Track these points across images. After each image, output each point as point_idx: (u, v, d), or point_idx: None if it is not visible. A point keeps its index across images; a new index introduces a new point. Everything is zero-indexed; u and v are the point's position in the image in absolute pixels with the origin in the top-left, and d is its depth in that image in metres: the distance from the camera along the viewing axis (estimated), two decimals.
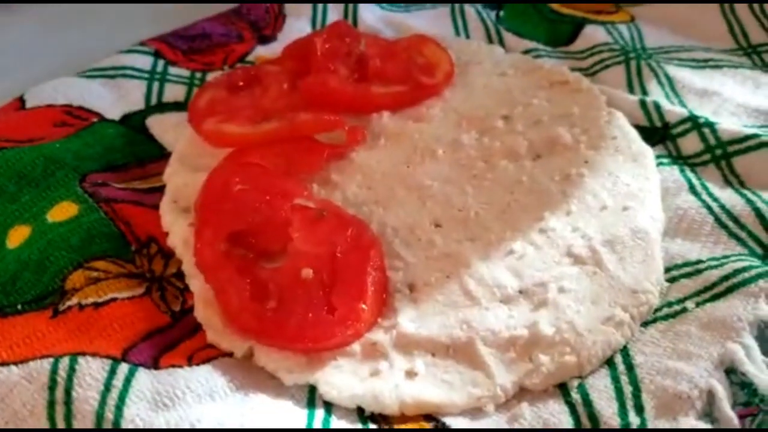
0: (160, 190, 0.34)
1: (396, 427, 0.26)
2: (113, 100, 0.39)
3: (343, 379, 0.27)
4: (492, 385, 0.26)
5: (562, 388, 0.26)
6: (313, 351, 0.27)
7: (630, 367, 0.27)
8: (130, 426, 0.24)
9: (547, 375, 0.26)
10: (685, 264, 0.31)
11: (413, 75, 0.40)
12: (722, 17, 0.49)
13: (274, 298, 0.28)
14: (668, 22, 0.49)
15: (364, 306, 0.28)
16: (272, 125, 0.35)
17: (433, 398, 0.26)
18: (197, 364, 0.27)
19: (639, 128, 0.39)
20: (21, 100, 0.39)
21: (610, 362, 0.27)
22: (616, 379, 0.27)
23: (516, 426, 0.25)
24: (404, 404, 0.26)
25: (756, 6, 0.49)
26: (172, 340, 0.28)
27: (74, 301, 0.29)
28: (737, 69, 0.44)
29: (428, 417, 0.26)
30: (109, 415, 0.24)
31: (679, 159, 0.38)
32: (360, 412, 0.26)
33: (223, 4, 0.47)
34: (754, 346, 0.27)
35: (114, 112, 0.39)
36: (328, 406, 0.27)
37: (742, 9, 0.49)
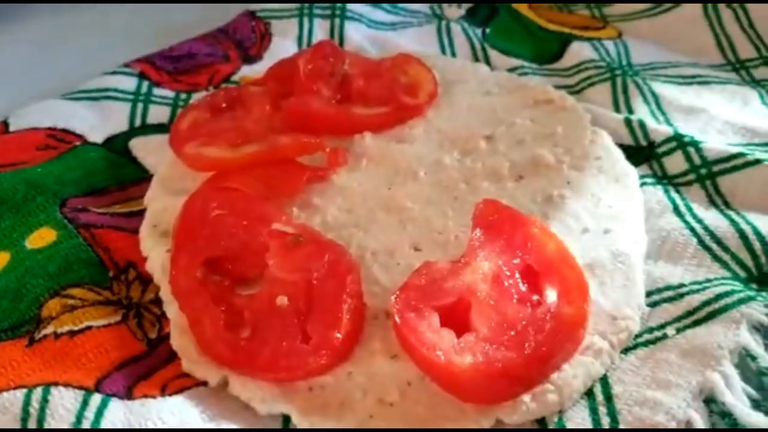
0: (141, 213, 0.34)
1: None
2: (97, 123, 0.40)
3: (317, 409, 0.27)
4: (468, 421, 0.26)
5: (540, 422, 0.26)
6: (287, 380, 0.27)
7: (609, 398, 0.27)
8: None
9: (526, 412, 0.26)
10: (667, 288, 0.31)
11: (396, 95, 0.40)
12: (710, 31, 0.49)
13: (249, 327, 0.28)
14: (656, 37, 0.49)
15: (338, 335, 0.27)
16: (253, 148, 0.35)
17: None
18: (170, 394, 0.27)
19: (624, 147, 0.38)
20: (5, 124, 0.39)
21: (588, 392, 0.27)
22: (594, 411, 0.26)
23: None
24: None
25: (744, 20, 0.49)
26: (147, 369, 0.28)
27: (50, 329, 0.29)
28: (725, 85, 0.44)
29: None
30: None
31: (663, 179, 0.37)
32: None
33: (208, 17, 0.47)
34: (734, 374, 0.27)
35: (97, 135, 0.39)
36: None
37: (729, 23, 0.49)
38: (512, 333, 0.27)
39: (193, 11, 0.52)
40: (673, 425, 0.25)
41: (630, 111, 0.42)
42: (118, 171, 0.37)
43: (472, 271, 0.28)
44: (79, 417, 0.25)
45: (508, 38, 0.48)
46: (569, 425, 0.26)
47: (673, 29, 0.50)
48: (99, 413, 0.25)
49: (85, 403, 0.26)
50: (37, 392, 0.26)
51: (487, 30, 0.50)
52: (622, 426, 0.25)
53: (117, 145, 0.39)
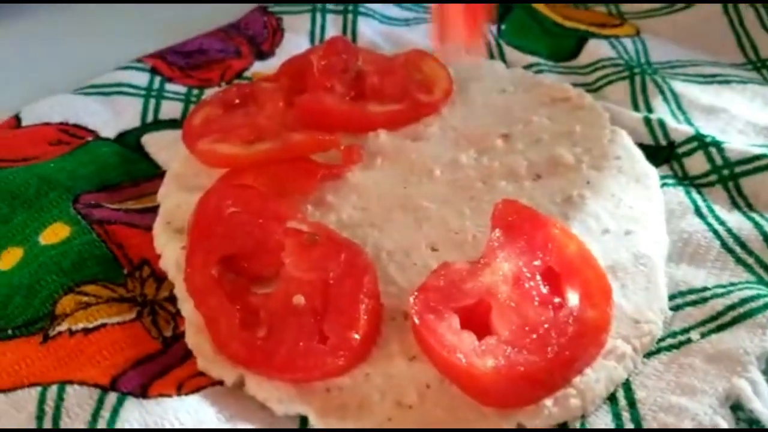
0: (154, 210, 0.34)
1: None
2: (109, 118, 0.39)
3: (335, 410, 0.26)
4: (488, 424, 0.25)
5: (562, 426, 0.26)
6: (304, 381, 0.27)
7: (632, 404, 0.26)
8: None
9: (548, 417, 0.25)
10: (690, 291, 0.30)
11: (411, 92, 0.39)
12: (730, 30, 0.48)
13: (265, 326, 0.28)
14: (674, 35, 0.48)
15: (356, 335, 0.27)
16: (267, 145, 0.34)
17: None
18: (187, 394, 0.26)
19: (643, 147, 0.38)
20: (17, 118, 0.39)
21: (611, 397, 0.26)
22: (617, 416, 0.26)
23: None
24: None
25: (766, 18, 0.48)
26: (162, 367, 0.28)
27: (64, 326, 0.28)
28: (746, 84, 0.43)
29: None
30: None
31: (684, 180, 0.37)
32: None
33: (220, 13, 0.47)
34: (761, 381, 0.26)
35: (109, 130, 0.39)
36: None
37: (750, 21, 0.48)
38: (534, 336, 0.26)
39: (203, 6, 0.51)
40: None
41: (649, 110, 0.41)
42: (130, 167, 0.37)
43: (492, 272, 0.28)
44: (95, 415, 0.25)
45: (524, 35, 0.48)
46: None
47: (692, 27, 0.49)
48: (114, 412, 0.25)
49: (100, 402, 0.25)
50: (53, 390, 0.25)
51: (502, 26, 0.49)
52: None
53: (129, 140, 0.38)
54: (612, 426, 0.25)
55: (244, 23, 0.47)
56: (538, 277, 0.28)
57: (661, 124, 0.39)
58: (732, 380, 0.26)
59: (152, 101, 0.41)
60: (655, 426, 0.25)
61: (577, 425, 0.26)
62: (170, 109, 0.40)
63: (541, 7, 0.50)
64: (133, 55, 0.43)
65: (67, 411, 0.25)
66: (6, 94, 0.41)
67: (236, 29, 0.47)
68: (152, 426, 0.25)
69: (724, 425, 0.25)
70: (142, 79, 0.42)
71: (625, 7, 0.51)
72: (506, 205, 0.30)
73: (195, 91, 0.42)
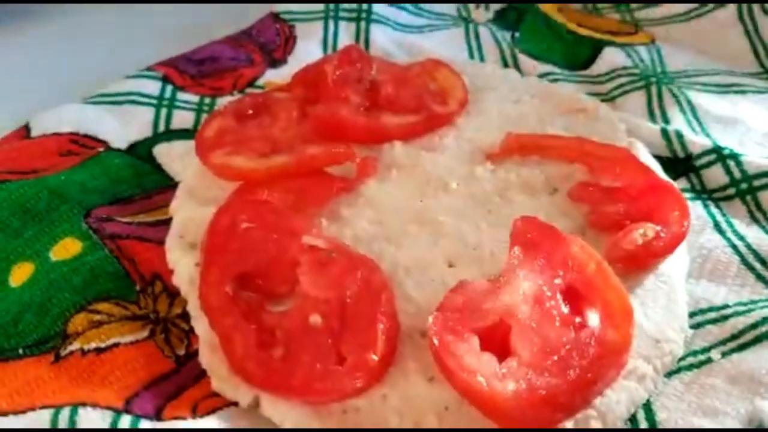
0: (167, 222, 0.34)
1: None
2: (120, 128, 0.39)
3: None
4: None
5: None
6: (321, 403, 0.26)
7: (653, 425, 0.26)
8: None
9: None
10: (710, 309, 0.30)
11: (426, 103, 0.39)
12: (745, 37, 0.48)
13: (281, 346, 0.27)
14: (690, 43, 0.48)
15: (374, 356, 0.26)
16: (281, 159, 0.34)
17: None
18: (201, 416, 0.26)
19: (660, 159, 0.37)
20: (26, 128, 0.38)
21: (632, 418, 0.26)
22: None
23: None
24: None
25: None
26: (176, 387, 0.27)
27: (76, 345, 0.28)
28: (762, 94, 0.43)
29: None
30: None
31: (703, 193, 0.36)
32: None
33: (231, 19, 0.46)
34: None
35: (121, 141, 0.38)
36: None
37: (766, 29, 0.47)
38: (555, 358, 0.26)
39: (212, 11, 0.51)
40: None
41: (666, 120, 0.40)
42: (142, 179, 0.36)
43: (511, 291, 0.27)
44: None
45: (538, 43, 0.47)
46: None
47: (707, 35, 0.48)
48: None
49: (114, 424, 0.25)
50: (65, 412, 0.25)
51: (516, 34, 0.48)
52: None
53: (141, 151, 0.38)
54: None
55: (255, 30, 0.46)
56: (559, 296, 0.28)
57: (679, 135, 0.38)
58: (755, 402, 0.26)
59: (164, 111, 0.40)
60: None
61: None
62: (182, 119, 0.40)
63: (555, 15, 0.50)
64: (142, 62, 0.43)
65: None
66: (16, 102, 0.41)
67: (248, 36, 0.46)
68: None
69: None
70: (153, 87, 0.41)
71: (639, 15, 0.51)
72: (525, 223, 0.30)
73: (207, 100, 0.41)
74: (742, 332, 0.29)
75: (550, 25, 0.49)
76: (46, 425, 0.25)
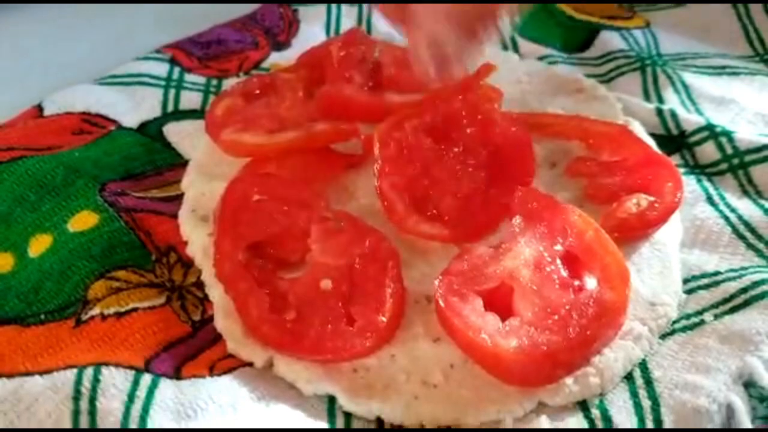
0: (178, 198, 0.35)
1: None
2: (130, 108, 0.40)
3: (362, 390, 0.27)
4: (511, 402, 0.26)
5: (582, 404, 0.27)
6: (332, 362, 0.27)
7: (648, 382, 0.27)
8: None
9: (569, 395, 0.26)
10: (703, 275, 0.31)
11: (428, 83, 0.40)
12: (738, 22, 0.49)
13: (294, 309, 0.28)
14: (684, 27, 0.49)
15: (383, 318, 0.28)
16: (289, 135, 0.35)
17: (451, 412, 0.26)
18: (219, 375, 0.27)
19: (655, 137, 0.39)
20: (39, 108, 0.39)
21: (628, 376, 0.27)
22: (634, 394, 0.27)
23: None
24: (422, 417, 0.26)
25: None
26: (193, 350, 0.28)
27: (96, 311, 0.29)
28: (754, 76, 0.44)
29: (448, 428, 0.26)
30: (134, 425, 0.25)
31: (696, 168, 0.38)
32: (379, 423, 0.27)
33: (235, 4, 0.47)
34: None
35: (131, 120, 0.39)
36: (348, 417, 0.27)
37: (758, 14, 0.49)
38: (556, 317, 0.27)
39: None
40: (714, 408, 0.25)
41: (660, 101, 0.42)
42: (153, 156, 0.37)
43: (513, 256, 0.29)
44: (131, 395, 0.26)
45: (537, 26, 0.48)
46: (610, 408, 0.26)
47: (701, 19, 0.49)
48: (150, 392, 0.26)
49: (136, 382, 0.26)
50: (88, 371, 0.26)
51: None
52: (663, 408, 0.26)
53: (151, 130, 0.39)
54: (629, 403, 0.26)
55: (260, 14, 0.47)
56: (558, 262, 0.29)
57: (673, 114, 0.40)
58: (745, 359, 0.27)
59: (172, 91, 0.41)
60: (671, 403, 0.26)
61: (596, 402, 0.27)
62: (190, 99, 0.41)
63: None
64: (150, 45, 0.44)
65: (104, 391, 0.26)
66: (28, 83, 0.41)
67: (253, 20, 0.47)
68: (187, 405, 0.26)
69: (738, 402, 0.26)
70: (161, 69, 0.42)
71: None
72: (526, 193, 0.31)
73: (214, 82, 0.42)
74: (733, 296, 0.30)
75: (548, 10, 0.50)
76: (71, 384, 0.26)
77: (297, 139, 0.35)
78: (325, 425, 0.26)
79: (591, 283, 0.28)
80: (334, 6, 0.48)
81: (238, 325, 0.29)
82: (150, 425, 0.25)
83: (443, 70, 0.32)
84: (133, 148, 0.37)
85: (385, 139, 0.34)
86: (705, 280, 0.31)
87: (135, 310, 0.29)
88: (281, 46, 0.46)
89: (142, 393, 0.26)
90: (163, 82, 0.42)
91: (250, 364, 0.28)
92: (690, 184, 0.36)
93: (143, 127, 0.39)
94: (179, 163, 0.37)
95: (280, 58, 0.44)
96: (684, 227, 0.34)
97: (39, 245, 0.31)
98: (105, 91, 0.40)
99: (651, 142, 0.38)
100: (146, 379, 0.26)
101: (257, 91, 0.39)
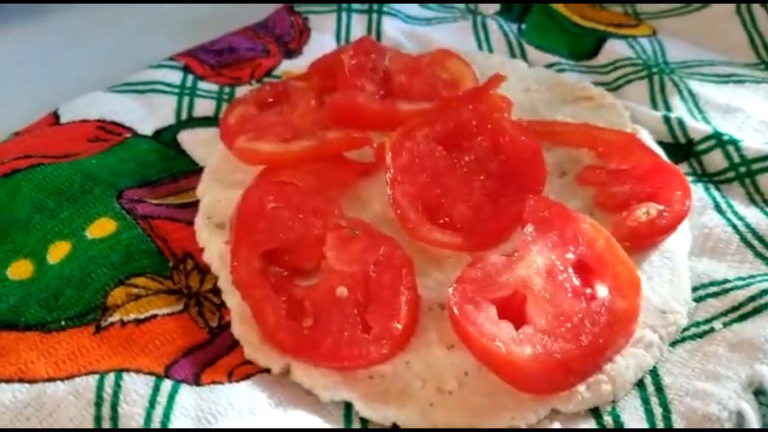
0: (194, 205, 0.35)
1: None
2: (145, 115, 0.40)
3: (378, 396, 0.27)
4: (525, 409, 0.27)
5: (594, 411, 0.27)
6: (349, 369, 0.28)
7: (659, 389, 0.28)
8: None
9: (581, 402, 0.27)
10: (712, 284, 0.32)
11: (438, 91, 0.40)
12: (743, 30, 0.49)
13: (310, 316, 0.29)
14: (690, 35, 0.50)
15: (398, 325, 0.28)
16: (303, 143, 0.36)
17: (466, 419, 0.27)
18: (237, 381, 0.28)
19: (663, 145, 0.39)
20: (55, 115, 0.40)
21: (639, 383, 0.28)
22: (646, 401, 0.27)
23: None
24: (437, 423, 0.27)
25: None
26: (211, 356, 0.29)
27: (116, 317, 0.30)
28: (759, 84, 0.45)
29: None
30: None
31: (703, 176, 0.38)
32: (395, 429, 0.27)
33: (247, 11, 0.48)
34: None
35: (146, 127, 0.40)
36: (364, 423, 0.27)
37: (763, 22, 0.49)
38: (568, 325, 0.27)
39: (230, 5, 0.52)
40: (725, 415, 0.26)
41: (668, 109, 0.42)
42: (169, 163, 0.38)
43: (526, 265, 0.29)
44: (152, 402, 0.26)
45: (544, 34, 0.49)
46: (622, 414, 0.27)
47: (706, 27, 0.50)
48: (171, 398, 0.26)
49: (156, 388, 0.27)
50: (110, 378, 0.27)
51: (523, 26, 0.50)
52: (674, 415, 0.26)
53: (166, 137, 0.39)
54: (641, 410, 0.27)
55: (271, 22, 0.48)
56: (570, 270, 0.29)
57: (680, 122, 0.40)
58: (754, 367, 0.27)
59: (186, 99, 0.42)
60: (681, 409, 0.26)
61: (608, 409, 0.27)
62: (204, 107, 0.41)
63: (559, 8, 0.52)
64: (163, 53, 0.44)
65: (125, 397, 0.26)
66: (43, 90, 0.42)
67: (264, 28, 0.48)
68: (207, 411, 0.26)
69: (748, 409, 0.26)
70: (175, 77, 0.43)
71: (641, 8, 0.53)
72: (537, 202, 0.32)
73: (227, 89, 0.43)
74: (742, 304, 0.30)
75: (555, 18, 0.51)
76: (93, 390, 0.26)
77: (310, 147, 0.35)
78: None
79: (602, 291, 0.29)
80: (344, 14, 0.49)
81: (255, 331, 0.29)
82: None
83: None
84: (148, 155, 0.38)
85: (397, 147, 0.34)
86: (714, 288, 0.31)
87: (154, 316, 0.30)
88: (292, 53, 0.46)
89: (162, 399, 0.26)
90: (177, 90, 0.42)
91: (268, 371, 0.29)
92: (698, 192, 0.37)
93: (158, 134, 0.40)
94: (194, 170, 0.38)
95: (292, 66, 0.45)
96: (692, 235, 0.34)
97: (58, 252, 0.32)
98: (119, 98, 0.41)
99: (659, 151, 0.38)
100: (167, 385, 0.27)
101: (270, 99, 0.40)
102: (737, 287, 0.31)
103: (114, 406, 0.26)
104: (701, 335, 0.30)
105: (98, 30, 0.49)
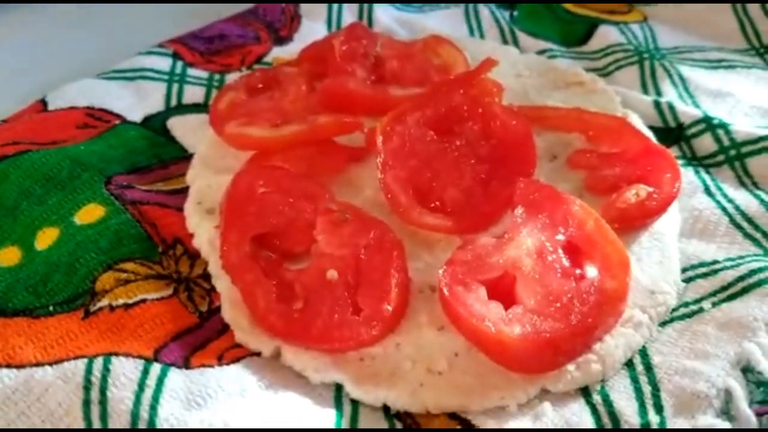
0: (184, 191, 0.35)
1: (423, 426, 0.26)
2: (134, 102, 0.40)
3: (369, 378, 0.27)
4: (515, 389, 0.27)
5: (584, 390, 0.27)
6: (339, 351, 0.28)
7: (648, 368, 0.28)
8: (165, 425, 0.25)
9: (571, 381, 0.27)
10: (701, 264, 0.32)
11: (430, 76, 0.40)
12: (734, 16, 0.49)
13: (301, 299, 0.29)
14: (681, 21, 0.50)
15: (388, 307, 0.28)
16: (293, 128, 0.35)
17: (456, 399, 0.27)
18: (227, 364, 0.28)
19: (653, 129, 0.39)
20: (43, 102, 0.40)
21: (629, 363, 0.28)
22: (635, 380, 0.27)
23: (539, 425, 0.26)
24: (427, 404, 0.27)
25: None
26: (201, 339, 0.29)
27: (105, 302, 0.29)
28: (750, 69, 0.45)
29: (453, 414, 0.27)
30: (144, 414, 0.25)
31: (693, 160, 0.38)
32: (386, 410, 0.27)
33: (238, 3, 0.48)
34: None
35: (135, 114, 0.39)
36: (355, 404, 0.27)
37: (754, 8, 0.49)
38: (558, 305, 0.27)
39: None
40: (713, 393, 0.26)
41: (658, 93, 0.42)
42: (158, 150, 0.37)
43: (515, 246, 0.29)
44: (141, 385, 0.26)
45: (536, 21, 0.49)
46: (612, 393, 0.27)
47: (698, 14, 0.50)
48: (160, 381, 0.26)
49: (146, 372, 0.26)
50: (98, 361, 0.27)
51: (515, 12, 0.50)
52: (663, 394, 0.26)
53: (155, 124, 0.39)
54: (630, 389, 0.27)
55: (262, 9, 0.48)
56: (560, 251, 0.29)
57: (671, 107, 0.40)
58: (742, 345, 0.28)
59: (175, 86, 0.41)
60: (670, 388, 0.27)
61: (597, 388, 0.27)
62: (193, 94, 0.41)
63: None
64: (153, 40, 0.44)
65: (114, 381, 0.26)
66: (31, 78, 0.42)
67: (254, 15, 0.47)
68: (197, 394, 0.26)
69: (736, 386, 0.26)
70: (164, 64, 0.42)
71: None
72: (527, 184, 0.32)
73: (216, 76, 0.43)
74: (731, 284, 0.30)
75: (547, 5, 0.50)
76: (81, 374, 0.26)
77: (301, 132, 0.35)
78: (332, 413, 0.26)
79: (592, 271, 0.29)
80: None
81: (245, 315, 0.29)
82: (160, 413, 0.25)
83: None
84: (137, 141, 0.37)
85: (387, 132, 0.34)
86: (703, 269, 0.32)
87: (143, 301, 0.30)
88: (283, 40, 0.46)
89: (152, 382, 0.26)
90: (166, 77, 0.42)
91: (258, 354, 0.29)
92: (688, 175, 0.37)
93: (147, 121, 0.39)
94: (183, 156, 0.37)
95: (282, 52, 0.45)
96: (682, 217, 0.34)
97: (46, 238, 0.32)
98: (108, 85, 0.41)
99: (649, 135, 0.38)
100: (156, 368, 0.27)
101: (260, 85, 0.39)
102: (726, 267, 0.31)
103: (103, 390, 0.26)
104: (690, 315, 0.30)
105: (87, 17, 0.49)
